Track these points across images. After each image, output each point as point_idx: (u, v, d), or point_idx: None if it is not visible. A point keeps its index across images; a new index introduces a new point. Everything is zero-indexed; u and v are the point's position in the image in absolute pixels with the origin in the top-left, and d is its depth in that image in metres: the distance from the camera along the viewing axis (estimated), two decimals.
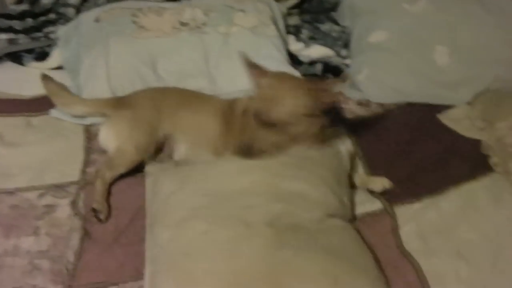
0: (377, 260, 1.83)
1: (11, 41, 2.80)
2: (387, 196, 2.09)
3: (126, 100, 2.32)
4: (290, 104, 1.86)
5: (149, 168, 2.13)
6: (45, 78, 2.46)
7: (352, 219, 1.99)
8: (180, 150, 2.20)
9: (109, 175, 2.11)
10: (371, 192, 2.12)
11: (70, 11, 2.85)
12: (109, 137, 2.21)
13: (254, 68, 2.01)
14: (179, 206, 1.86)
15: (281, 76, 1.99)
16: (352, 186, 2.09)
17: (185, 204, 1.85)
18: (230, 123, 2.12)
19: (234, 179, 1.90)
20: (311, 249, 1.72)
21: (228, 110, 2.17)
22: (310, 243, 1.74)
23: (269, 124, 1.86)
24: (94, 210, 2.01)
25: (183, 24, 2.60)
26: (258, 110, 1.88)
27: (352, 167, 2.14)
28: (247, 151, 1.90)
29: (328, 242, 1.77)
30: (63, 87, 2.49)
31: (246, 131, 1.91)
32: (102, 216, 2.01)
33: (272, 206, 1.81)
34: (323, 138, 2.00)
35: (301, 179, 1.91)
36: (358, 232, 1.92)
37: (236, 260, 1.67)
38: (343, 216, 1.93)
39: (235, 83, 2.42)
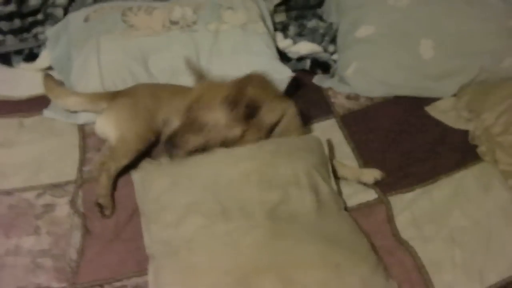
0: (374, 248, 1.88)
1: None
2: (381, 187, 2.14)
3: (124, 91, 2.35)
4: (211, 112, 1.96)
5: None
6: (46, 76, 2.50)
7: (344, 208, 2.03)
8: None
9: (114, 167, 2.11)
10: (364, 184, 2.17)
11: (58, 12, 2.82)
12: (109, 126, 2.22)
13: (195, 72, 2.15)
14: (175, 203, 1.88)
15: (208, 83, 2.09)
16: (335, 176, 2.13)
17: (181, 200, 1.87)
18: None
19: (225, 171, 1.93)
20: (310, 238, 1.77)
21: None
22: (309, 232, 1.79)
23: (195, 126, 1.97)
24: (99, 205, 2.02)
25: (173, 22, 2.61)
26: (187, 110, 1.99)
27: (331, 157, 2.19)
28: (170, 150, 2.00)
29: (327, 230, 1.83)
30: (60, 84, 2.52)
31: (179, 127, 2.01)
32: (107, 212, 2.03)
33: (268, 196, 1.86)
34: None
35: (291, 166, 1.96)
36: (354, 220, 1.97)
37: (238, 252, 1.71)
38: (336, 203, 1.98)
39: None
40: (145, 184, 2.03)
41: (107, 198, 2.04)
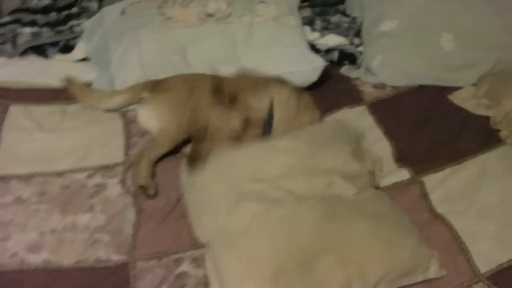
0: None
1: (35, 35, 2.86)
2: (413, 166, 2.25)
3: (163, 82, 2.42)
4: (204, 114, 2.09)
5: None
6: (68, 81, 2.53)
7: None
8: None
9: (154, 154, 2.21)
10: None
11: (93, 5, 2.93)
12: (152, 118, 2.30)
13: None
14: (225, 193, 1.93)
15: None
16: None
17: (231, 190, 1.93)
18: None
19: (267, 165, 2.00)
20: (359, 217, 1.86)
21: None
22: (356, 212, 1.88)
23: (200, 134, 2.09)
24: (142, 187, 2.11)
25: (208, 15, 2.72)
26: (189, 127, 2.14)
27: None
28: (194, 165, 2.08)
29: (371, 209, 1.93)
30: (89, 86, 2.56)
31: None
32: (151, 191, 2.11)
33: (314, 183, 1.95)
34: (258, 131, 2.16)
35: (330, 156, 2.05)
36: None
37: (298, 236, 1.78)
38: (372, 183, 2.10)
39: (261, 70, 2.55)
40: (190, 176, 2.08)
41: (148, 179, 2.14)
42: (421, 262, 1.82)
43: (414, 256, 1.82)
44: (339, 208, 1.88)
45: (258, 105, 2.14)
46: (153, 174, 2.19)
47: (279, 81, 2.27)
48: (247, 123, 2.10)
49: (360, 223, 1.83)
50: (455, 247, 1.94)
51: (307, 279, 1.71)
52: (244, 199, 1.88)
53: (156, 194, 2.13)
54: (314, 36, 2.92)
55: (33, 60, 2.82)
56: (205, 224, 1.94)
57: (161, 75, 2.49)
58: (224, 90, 2.02)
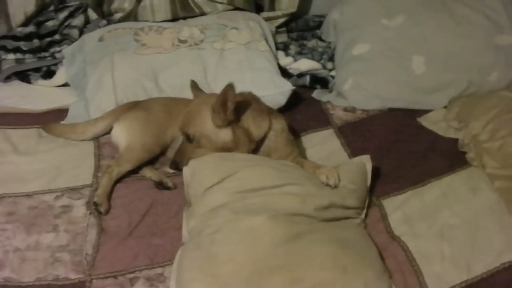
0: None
1: (18, 61, 2.96)
2: (373, 191, 2.25)
3: (141, 103, 2.50)
4: (198, 121, 2.09)
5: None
6: (47, 127, 2.58)
7: None
8: None
9: (117, 171, 2.28)
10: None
11: (74, 32, 3.02)
12: (121, 134, 2.38)
13: (196, 89, 2.29)
14: (214, 199, 1.98)
15: (200, 97, 2.23)
16: None
17: (218, 198, 1.97)
18: None
19: (270, 180, 2.03)
20: (324, 241, 1.87)
21: None
22: (324, 236, 1.90)
23: (188, 139, 2.10)
24: (94, 203, 2.16)
25: (181, 41, 2.79)
26: (180, 127, 2.12)
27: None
28: (176, 167, 2.14)
29: (340, 235, 1.93)
30: (71, 123, 2.61)
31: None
32: (102, 209, 2.16)
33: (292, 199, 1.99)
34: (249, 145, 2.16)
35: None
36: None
37: (254, 249, 1.81)
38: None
39: None
40: (194, 177, 2.08)
41: (103, 197, 2.19)
42: None
43: None
44: (307, 228, 1.90)
45: (258, 133, 2.17)
46: (110, 193, 2.25)
47: (279, 115, 2.31)
48: (239, 143, 2.13)
49: (322, 247, 1.85)
50: (409, 269, 1.94)
51: None
52: (224, 206, 1.94)
53: (108, 212, 2.18)
54: (287, 61, 2.97)
55: (17, 85, 2.92)
56: (190, 224, 1.99)
57: (132, 100, 2.55)
58: (228, 108, 2.05)
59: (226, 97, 2.02)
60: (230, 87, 2.01)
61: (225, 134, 2.08)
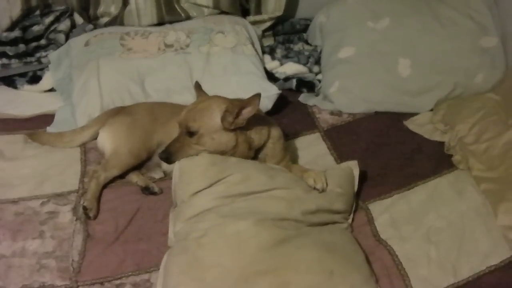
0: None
1: (4, 66, 2.95)
2: (360, 195, 2.26)
3: (126, 108, 2.49)
4: (206, 118, 2.05)
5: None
6: (33, 135, 2.57)
7: None
8: None
9: (103, 176, 2.28)
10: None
11: (60, 37, 3.01)
12: (107, 140, 2.37)
13: (199, 90, 2.25)
14: (202, 203, 1.98)
15: (210, 96, 2.19)
16: None
17: (206, 202, 1.97)
18: None
19: (258, 185, 2.03)
20: (310, 245, 1.88)
21: None
22: (311, 240, 1.90)
23: (189, 133, 2.06)
24: (84, 207, 2.16)
25: (168, 45, 2.79)
26: (183, 119, 2.08)
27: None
28: (167, 159, 2.09)
29: (327, 239, 1.94)
30: (57, 132, 2.59)
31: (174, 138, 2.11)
32: (91, 214, 2.16)
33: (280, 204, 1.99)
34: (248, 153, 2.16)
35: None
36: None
37: (241, 253, 1.82)
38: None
39: None
40: (183, 178, 2.07)
41: (92, 201, 2.19)
42: None
43: None
44: (294, 233, 1.91)
45: (258, 141, 2.17)
46: (99, 197, 2.25)
47: (274, 122, 2.30)
48: (240, 145, 2.12)
49: (309, 251, 1.85)
50: (395, 272, 1.95)
51: None
52: (212, 210, 1.94)
53: (96, 216, 2.18)
54: (273, 64, 2.98)
55: (2, 91, 2.90)
56: (177, 227, 1.99)
57: (118, 104, 2.55)
58: (242, 114, 2.04)
59: (248, 105, 2.02)
60: (258, 96, 2.00)
61: (229, 138, 2.07)
